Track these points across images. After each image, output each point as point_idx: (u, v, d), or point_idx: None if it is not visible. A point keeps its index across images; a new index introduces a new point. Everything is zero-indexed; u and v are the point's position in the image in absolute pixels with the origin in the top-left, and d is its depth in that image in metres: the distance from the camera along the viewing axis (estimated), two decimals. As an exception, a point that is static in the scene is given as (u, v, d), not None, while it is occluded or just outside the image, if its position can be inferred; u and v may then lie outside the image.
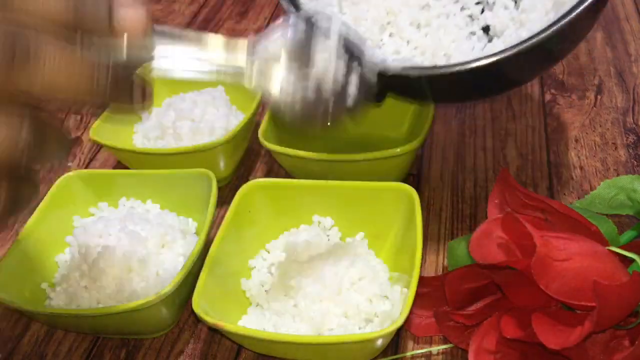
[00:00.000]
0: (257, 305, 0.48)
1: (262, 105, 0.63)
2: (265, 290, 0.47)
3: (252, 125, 0.61)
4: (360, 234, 0.52)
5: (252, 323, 0.46)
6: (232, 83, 0.32)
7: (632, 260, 0.43)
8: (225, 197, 0.60)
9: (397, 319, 0.41)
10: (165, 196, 0.55)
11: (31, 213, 0.52)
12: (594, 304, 0.39)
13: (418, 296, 0.43)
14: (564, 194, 0.56)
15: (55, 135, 0.28)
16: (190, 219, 0.55)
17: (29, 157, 0.27)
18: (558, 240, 0.42)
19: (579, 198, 0.56)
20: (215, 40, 0.31)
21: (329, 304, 0.45)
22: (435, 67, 0.47)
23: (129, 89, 0.29)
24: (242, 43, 0.32)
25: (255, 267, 0.50)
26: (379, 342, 0.43)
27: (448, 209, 0.56)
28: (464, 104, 0.68)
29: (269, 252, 0.51)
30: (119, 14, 0.29)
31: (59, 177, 0.55)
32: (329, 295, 0.45)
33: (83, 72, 0.27)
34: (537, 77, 0.68)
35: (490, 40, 0.50)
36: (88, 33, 0.28)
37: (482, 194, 0.57)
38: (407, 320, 0.42)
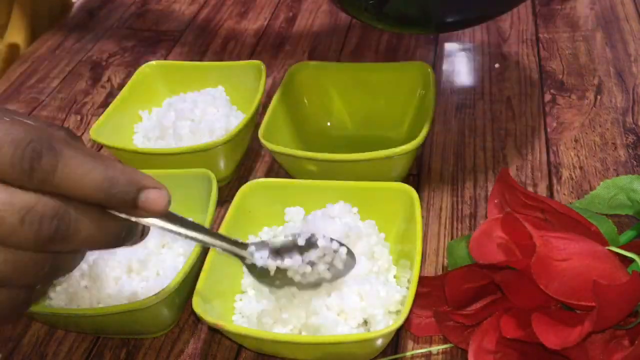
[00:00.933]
0: (257, 305, 0.48)
1: (262, 105, 0.63)
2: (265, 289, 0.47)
3: (252, 125, 0.61)
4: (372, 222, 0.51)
5: (252, 323, 0.46)
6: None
7: (632, 260, 0.43)
8: (225, 197, 0.60)
9: (397, 318, 0.41)
10: (165, 196, 0.55)
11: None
12: (593, 304, 0.39)
13: (418, 296, 0.43)
14: (564, 194, 0.57)
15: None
16: (190, 219, 0.55)
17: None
18: (558, 240, 0.42)
19: (578, 198, 0.56)
20: (220, 239, 0.42)
21: (329, 303, 0.45)
22: None
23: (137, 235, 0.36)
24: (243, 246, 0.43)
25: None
26: (379, 342, 0.43)
27: (448, 209, 0.56)
28: (464, 105, 0.68)
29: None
30: (146, 197, 0.34)
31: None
32: (329, 295, 0.45)
33: (106, 235, 0.34)
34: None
35: None
36: (114, 209, 0.34)
37: (481, 194, 0.57)
38: (407, 320, 0.42)
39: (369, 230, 0.50)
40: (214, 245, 0.41)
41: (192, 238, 0.40)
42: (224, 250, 0.42)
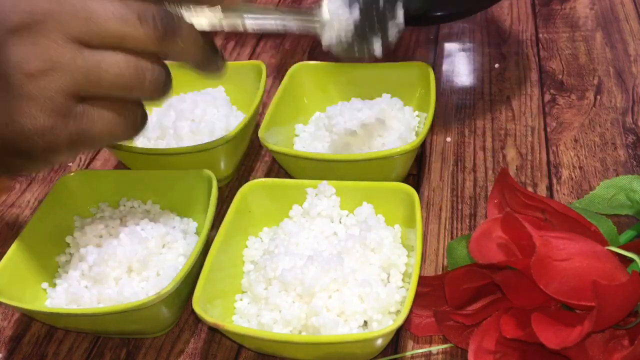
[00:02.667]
0: (256, 304, 0.48)
1: (262, 105, 0.63)
2: (265, 288, 0.47)
3: (252, 125, 0.61)
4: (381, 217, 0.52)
5: (251, 322, 0.46)
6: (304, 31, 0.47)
7: (632, 260, 0.43)
8: (225, 197, 0.60)
9: (396, 318, 0.41)
10: (165, 196, 0.55)
11: (32, 213, 0.52)
12: (593, 304, 0.39)
13: (418, 296, 0.43)
14: (564, 193, 0.57)
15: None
16: (190, 219, 0.55)
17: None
18: (557, 240, 0.42)
19: (578, 198, 0.56)
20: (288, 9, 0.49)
21: (330, 304, 0.45)
22: None
23: (217, 54, 0.44)
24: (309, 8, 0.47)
25: (254, 267, 0.50)
26: (379, 341, 0.43)
27: (448, 209, 0.57)
28: (464, 105, 0.68)
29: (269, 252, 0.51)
30: None
31: (59, 177, 0.55)
32: (329, 295, 0.45)
33: (197, 47, 0.42)
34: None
35: None
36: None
37: (481, 194, 0.57)
38: (407, 320, 0.42)
39: (382, 224, 0.51)
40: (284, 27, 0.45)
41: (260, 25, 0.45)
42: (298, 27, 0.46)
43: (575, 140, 0.62)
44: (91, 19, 0.37)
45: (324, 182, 0.52)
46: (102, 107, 0.40)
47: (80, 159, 0.67)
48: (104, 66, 0.38)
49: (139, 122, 0.42)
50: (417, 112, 0.61)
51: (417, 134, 0.59)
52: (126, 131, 0.41)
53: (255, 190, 0.52)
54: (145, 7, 0.38)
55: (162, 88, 0.42)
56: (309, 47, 0.80)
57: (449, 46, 0.78)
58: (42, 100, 0.38)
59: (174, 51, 0.41)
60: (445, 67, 0.74)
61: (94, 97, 0.39)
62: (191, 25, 0.41)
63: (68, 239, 0.52)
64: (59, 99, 0.38)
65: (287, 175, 0.60)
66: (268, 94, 0.69)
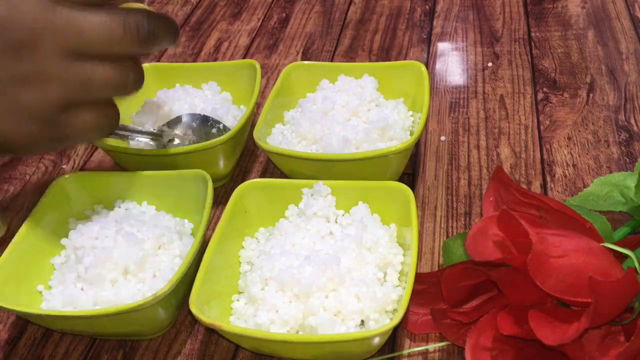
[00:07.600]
0: (253, 304, 0.48)
1: (259, 104, 0.63)
2: (262, 289, 0.47)
3: (249, 125, 0.61)
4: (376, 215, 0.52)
5: (248, 322, 0.46)
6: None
7: (627, 256, 0.43)
8: (221, 197, 0.60)
9: (393, 317, 0.41)
10: (161, 197, 0.55)
11: (27, 215, 0.52)
12: (589, 300, 0.39)
13: (414, 294, 0.44)
14: (557, 191, 0.57)
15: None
16: (186, 220, 0.55)
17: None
18: (553, 237, 0.42)
19: (572, 195, 0.56)
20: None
21: (327, 304, 0.45)
22: None
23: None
24: None
25: (251, 268, 0.50)
26: (376, 340, 0.43)
27: (443, 208, 0.57)
28: (458, 104, 0.68)
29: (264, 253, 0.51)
30: None
31: (54, 179, 0.55)
32: (326, 294, 0.45)
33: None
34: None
35: None
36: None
37: (476, 193, 0.58)
38: (404, 318, 0.42)
39: (377, 223, 0.51)
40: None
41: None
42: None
43: (569, 138, 0.62)
44: (81, 34, 0.41)
45: (320, 182, 0.52)
46: (83, 111, 0.44)
47: (75, 160, 0.67)
48: (93, 78, 0.42)
49: (114, 122, 0.46)
50: (411, 112, 0.61)
51: (411, 133, 0.59)
52: (102, 131, 0.45)
53: (251, 190, 0.52)
54: (129, 15, 0.42)
55: (139, 86, 0.45)
56: (303, 47, 0.80)
57: (442, 46, 0.78)
58: (32, 110, 0.42)
59: (153, 50, 0.45)
60: (438, 66, 0.75)
61: (79, 103, 0.43)
62: (169, 25, 0.44)
63: (63, 241, 0.52)
64: (48, 109, 0.42)
65: (283, 175, 0.60)
66: (262, 94, 0.69)
